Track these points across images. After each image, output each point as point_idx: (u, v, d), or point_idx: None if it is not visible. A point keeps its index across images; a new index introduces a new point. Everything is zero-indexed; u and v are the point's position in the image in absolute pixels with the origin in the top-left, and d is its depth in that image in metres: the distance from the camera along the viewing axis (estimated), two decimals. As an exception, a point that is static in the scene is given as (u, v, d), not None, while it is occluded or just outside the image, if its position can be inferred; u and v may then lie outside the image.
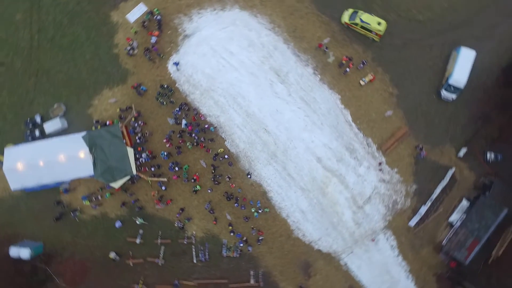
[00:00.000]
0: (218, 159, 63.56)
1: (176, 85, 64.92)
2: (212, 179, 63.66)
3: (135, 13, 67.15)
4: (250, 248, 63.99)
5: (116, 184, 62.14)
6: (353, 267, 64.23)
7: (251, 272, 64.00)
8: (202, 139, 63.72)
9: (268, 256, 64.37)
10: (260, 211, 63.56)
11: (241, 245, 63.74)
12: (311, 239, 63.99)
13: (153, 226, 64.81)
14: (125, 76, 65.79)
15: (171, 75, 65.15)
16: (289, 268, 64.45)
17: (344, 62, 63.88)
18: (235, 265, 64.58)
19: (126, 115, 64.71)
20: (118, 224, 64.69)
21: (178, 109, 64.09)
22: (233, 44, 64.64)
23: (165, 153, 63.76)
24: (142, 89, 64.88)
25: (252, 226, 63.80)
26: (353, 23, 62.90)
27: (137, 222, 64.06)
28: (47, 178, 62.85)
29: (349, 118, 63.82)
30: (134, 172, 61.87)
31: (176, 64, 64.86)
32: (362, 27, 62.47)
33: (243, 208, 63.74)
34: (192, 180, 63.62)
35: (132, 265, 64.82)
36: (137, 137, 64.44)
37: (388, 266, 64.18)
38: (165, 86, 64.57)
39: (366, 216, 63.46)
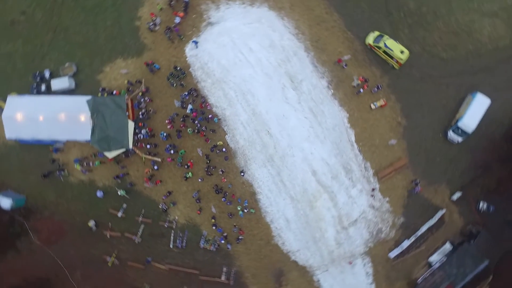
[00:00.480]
0: (215, 151, 63.25)
1: (190, 69, 64.42)
2: (206, 169, 63.33)
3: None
4: (229, 246, 63.88)
5: (110, 154, 61.73)
6: (326, 285, 64.31)
7: (224, 269, 63.95)
8: (204, 127, 63.30)
9: (244, 257, 64.30)
10: (245, 211, 63.31)
11: (222, 241, 63.62)
12: (290, 249, 63.91)
13: (137, 203, 64.58)
14: (141, 50, 65.26)
15: (187, 59, 64.62)
16: (262, 272, 64.44)
17: (359, 82, 63.54)
18: (210, 258, 64.49)
19: (134, 88, 64.37)
20: (99, 193, 64.39)
21: (186, 93, 63.69)
22: (254, 41, 64.07)
23: (165, 134, 63.42)
24: (155, 66, 64.42)
25: (234, 224, 63.64)
26: (376, 46, 62.42)
27: (119, 193, 63.77)
28: (44, 134, 62.53)
29: (353, 138, 63.52)
30: (131, 146, 61.62)
31: (195, 42, 64.48)
32: (384, 52, 62.04)
33: (229, 204, 63.50)
34: (186, 166, 63.34)
35: (108, 237, 64.71)
36: (140, 112, 64.07)
37: (359, 291, 64.64)
38: (179, 68, 64.06)
39: (348, 238, 63.29)
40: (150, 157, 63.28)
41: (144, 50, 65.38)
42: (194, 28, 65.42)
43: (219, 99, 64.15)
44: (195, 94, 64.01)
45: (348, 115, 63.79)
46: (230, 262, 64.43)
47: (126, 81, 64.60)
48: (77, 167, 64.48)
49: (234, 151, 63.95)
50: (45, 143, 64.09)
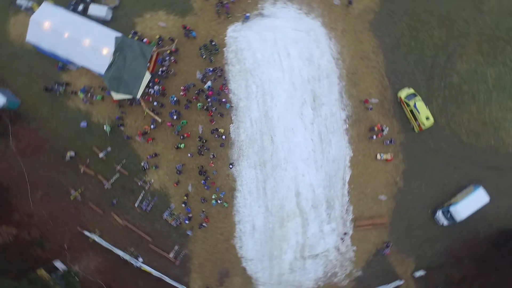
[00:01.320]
0: (215, 134, 62.71)
1: (224, 49, 63.64)
2: (199, 147, 62.84)
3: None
4: (189, 232, 63.63)
5: (116, 96, 61.25)
6: (264, 302, 64.62)
7: (176, 247, 63.70)
8: (214, 108, 62.76)
9: (199, 244, 64.06)
10: (219, 202, 62.94)
11: (186, 222, 63.35)
12: (245, 255, 63.67)
13: (122, 152, 64.29)
14: (187, 11, 64.48)
15: (226, 38, 63.85)
16: (209, 265, 64.27)
17: (376, 129, 62.97)
18: (167, 232, 64.26)
19: (164, 44, 63.70)
20: (83, 124, 64.08)
21: (211, 69, 63.05)
22: (295, 49, 63.21)
23: (175, 99, 62.80)
24: (192, 33, 63.67)
25: (203, 210, 63.26)
26: (406, 103, 61.72)
27: (104, 128, 63.36)
28: (62, 51, 61.71)
29: (347, 178, 63.10)
30: (139, 96, 61.25)
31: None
32: (411, 111, 61.41)
33: (206, 189, 63.12)
34: (181, 137, 62.91)
35: (82, 172, 64.20)
36: (161, 69, 63.42)
37: (293, 322, 64.53)
38: (214, 43, 63.28)
39: (303, 268, 63.12)
40: (152, 114, 62.76)
41: (189, 13, 64.58)
42: (245, 12, 64.52)
43: (239, 88, 63.47)
44: (218, 74, 63.30)
45: (352, 154, 63.28)
46: (183, 243, 64.15)
47: (158, 36, 63.73)
48: (80, 95, 64.03)
49: (232, 142, 63.37)
50: (60, 59, 63.43)
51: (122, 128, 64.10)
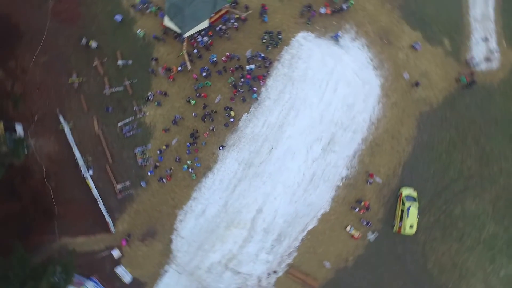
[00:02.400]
0: (226, 112, 61.64)
1: (285, 47, 62.76)
2: (205, 113, 61.69)
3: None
4: (143, 184, 62.35)
5: (167, 22, 60.46)
6: (165, 279, 62.27)
7: (127, 183, 62.28)
8: (241, 90, 61.78)
9: (148, 194, 62.73)
10: (190, 170, 61.93)
11: (151, 172, 62.08)
12: (179, 230, 62.38)
13: (138, 72, 62.99)
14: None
15: (292, 39, 62.95)
16: (143, 217, 62.89)
17: (362, 204, 61.92)
18: (129, 165, 62.90)
19: (237, 7, 62.61)
20: (118, 17, 63.05)
21: (263, 56, 62.04)
22: (343, 89, 62.41)
23: (215, 59, 61.85)
24: (264, 18, 62.77)
25: (172, 168, 62.08)
26: (403, 201, 60.79)
27: (138, 32, 62.69)
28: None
29: (309, 227, 62.25)
30: (186, 35, 59.88)
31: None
32: (402, 211, 60.55)
33: (187, 153, 62.02)
34: (197, 94, 61.80)
35: (94, 65, 62.67)
36: (220, 26, 62.29)
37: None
38: (280, 37, 62.33)
39: (220, 275, 61.93)
40: (187, 57, 61.69)
41: (280, -3, 64.45)
42: (323, 29, 63.54)
43: (274, 88, 62.53)
44: (266, 64, 62.35)
45: (327, 211, 62.31)
46: (136, 185, 62.66)
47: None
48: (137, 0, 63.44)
49: (236, 128, 62.35)
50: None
51: (154, 61, 62.94)
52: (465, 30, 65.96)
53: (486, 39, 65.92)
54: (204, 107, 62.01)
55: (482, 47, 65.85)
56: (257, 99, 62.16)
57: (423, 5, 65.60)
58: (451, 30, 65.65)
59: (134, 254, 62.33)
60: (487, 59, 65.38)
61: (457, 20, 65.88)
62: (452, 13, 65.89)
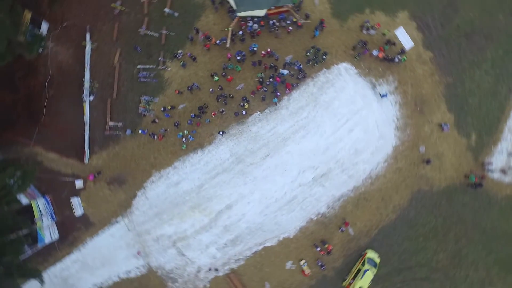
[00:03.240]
0: (241, 102, 60.72)
1: (324, 69, 61.87)
2: (222, 95, 60.70)
3: (405, 38, 63.45)
4: (141, 131, 61.67)
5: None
6: (114, 229, 61.63)
7: (119, 124, 61.49)
8: (265, 89, 60.98)
9: (133, 143, 62.22)
10: (183, 140, 61.32)
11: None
12: (147, 189, 61.64)
13: (178, 27, 62.31)
14: (342, 17, 62.81)
15: (334, 65, 62.09)
16: (119, 162, 62.40)
17: (325, 247, 60.96)
18: (129, 108, 62.29)
19: (298, 12, 61.67)
20: None
21: (300, 67, 61.08)
22: (358, 133, 61.61)
23: (255, 49, 61.14)
24: (315, 33, 61.78)
25: (167, 129, 61.32)
26: (364, 261, 59.93)
27: None
28: None
29: (267, 244, 61.45)
30: (239, 14, 58.67)
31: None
32: (359, 270, 59.76)
33: (188, 123, 61.17)
34: (223, 74, 60.88)
35: (141, 1, 62.04)
36: (273, 21, 60.94)
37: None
38: (324, 57, 61.38)
39: (164, 249, 61.31)
40: (230, 35, 60.88)
41: (340, 18, 62.96)
42: (367, 69, 62.62)
43: (296, 102, 61.84)
44: (299, 76, 61.58)
45: (291, 237, 61.48)
46: (125, 128, 61.79)
47: (297, 1, 61.87)
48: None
49: (244, 121, 61.56)
50: None
51: (195, 31, 61.99)
52: (496, 135, 64.82)
53: (511, 154, 65.62)
54: (221, 88, 61.28)
55: (504, 158, 64.84)
56: (276, 104, 61.31)
57: (468, 93, 64.32)
58: (483, 128, 64.46)
59: (95, 192, 61.70)
60: (503, 171, 64.42)
61: (492, 122, 64.69)
62: (491, 113, 64.66)
